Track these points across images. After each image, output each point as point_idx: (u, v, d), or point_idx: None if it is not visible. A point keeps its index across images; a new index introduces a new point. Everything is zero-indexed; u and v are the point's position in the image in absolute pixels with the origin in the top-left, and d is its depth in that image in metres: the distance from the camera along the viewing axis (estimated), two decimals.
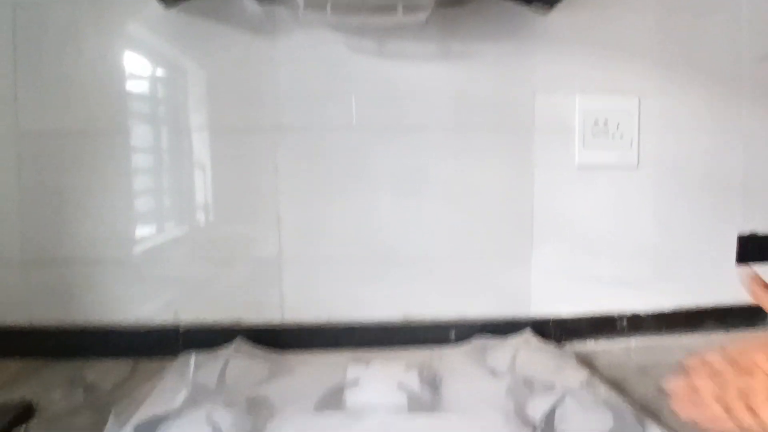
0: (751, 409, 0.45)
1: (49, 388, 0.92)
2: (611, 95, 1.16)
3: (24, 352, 1.06)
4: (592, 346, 1.16)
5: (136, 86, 1.10)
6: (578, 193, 1.17)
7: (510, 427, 0.75)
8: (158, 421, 0.73)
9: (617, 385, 0.94)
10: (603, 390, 0.87)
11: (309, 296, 1.13)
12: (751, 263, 1.23)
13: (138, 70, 1.09)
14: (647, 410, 0.83)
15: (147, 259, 1.11)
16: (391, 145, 1.11)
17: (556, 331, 1.16)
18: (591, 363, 1.06)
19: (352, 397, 0.83)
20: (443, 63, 1.11)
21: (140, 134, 1.10)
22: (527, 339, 1.10)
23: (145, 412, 0.77)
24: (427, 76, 1.11)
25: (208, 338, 1.06)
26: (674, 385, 0.54)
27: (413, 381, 0.87)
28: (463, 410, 0.82)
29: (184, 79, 1.10)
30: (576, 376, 0.92)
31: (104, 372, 1.00)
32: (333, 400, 0.84)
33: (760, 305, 0.59)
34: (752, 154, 1.21)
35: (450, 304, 1.14)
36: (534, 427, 0.75)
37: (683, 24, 1.17)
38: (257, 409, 0.82)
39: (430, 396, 0.85)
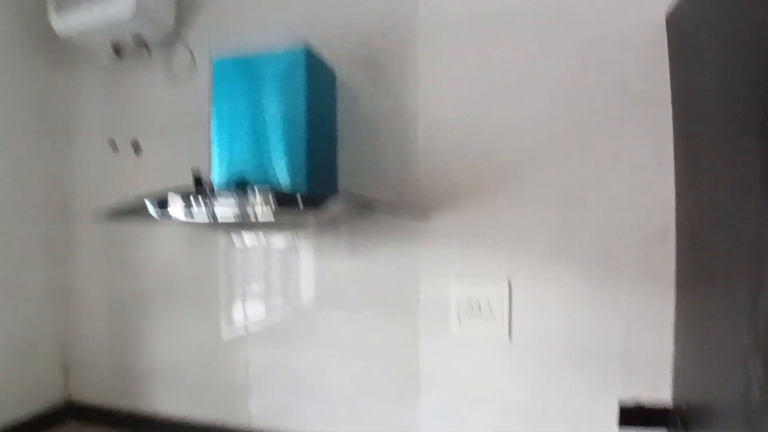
0: None
1: None
2: (483, 280, 1.43)
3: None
4: None
5: None
6: (457, 359, 1.46)
7: None
8: None
9: None
10: None
11: None
12: (632, 427, 1.36)
13: None
14: None
15: None
16: (318, 313, 1.56)
17: None
18: None
19: None
20: (349, 256, 1.53)
21: None
22: None
23: None
24: (338, 266, 1.54)
25: None
26: None
27: None
28: None
29: None
30: None
31: None
32: None
33: None
34: (634, 328, 1.35)
35: None
36: None
37: (557, 216, 1.39)
38: None
39: None
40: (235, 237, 1.65)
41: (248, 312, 1.66)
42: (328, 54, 1.42)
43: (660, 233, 1.30)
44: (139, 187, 1.74)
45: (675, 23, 1.29)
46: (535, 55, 1.41)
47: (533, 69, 1.41)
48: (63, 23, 1.59)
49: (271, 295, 1.62)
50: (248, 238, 1.62)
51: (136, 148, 1.77)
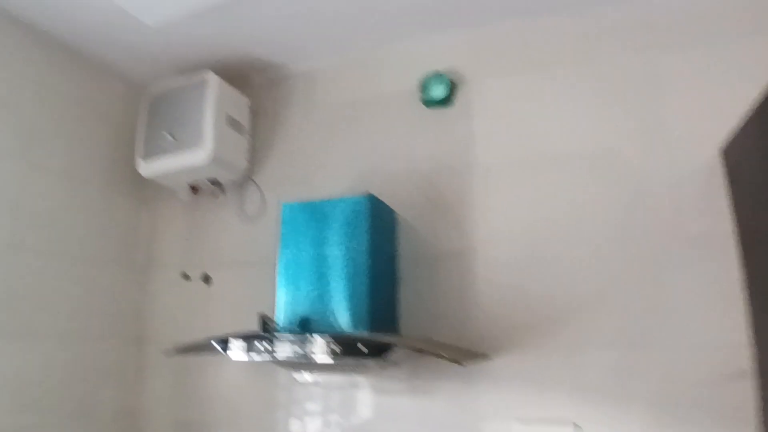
0: None
1: None
2: (546, 424, 1.37)
3: None
4: None
5: None
6: None
7: None
8: None
9: None
10: None
11: None
12: None
13: None
14: None
15: None
16: None
17: None
18: None
19: None
20: (410, 395, 1.51)
21: None
22: None
23: None
24: (398, 404, 1.52)
25: None
26: None
27: None
28: None
29: None
30: None
31: None
32: None
33: None
34: None
35: None
36: None
37: (619, 357, 1.35)
38: None
39: None
40: (296, 374, 1.66)
41: None
42: (390, 197, 1.50)
43: (734, 373, 1.23)
44: (209, 316, 1.83)
45: (731, 158, 1.29)
46: (588, 194, 1.44)
47: (587, 208, 1.44)
48: (148, 168, 1.76)
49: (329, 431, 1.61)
50: (309, 375, 1.64)
51: (207, 279, 1.87)
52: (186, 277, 1.91)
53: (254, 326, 1.68)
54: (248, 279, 1.78)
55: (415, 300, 1.54)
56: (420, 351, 1.27)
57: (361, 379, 1.57)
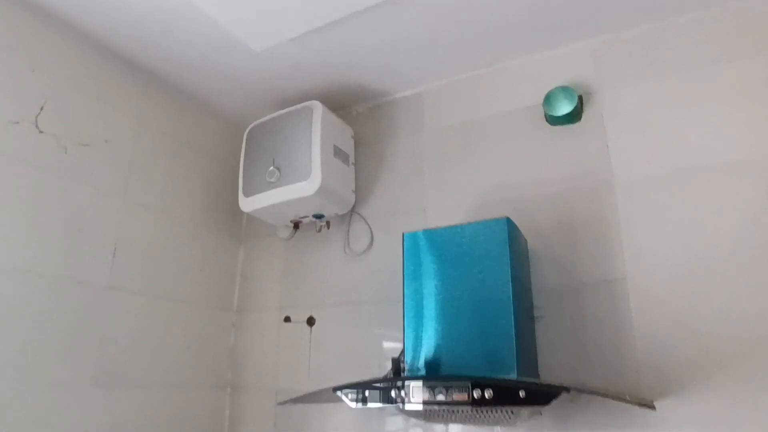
0: None
1: None
2: None
3: None
4: None
5: None
6: None
7: None
8: None
9: None
10: None
11: None
12: None
13: None
14: None
15: None
16: None
17: None
18: None
19: None
20: None
21: None
22: None
23: None
24: None
25: None
26: None
27: None
28: None
29: None
30: None
31: None
32: None
33: None
34: None
35: None
36: None
37: None
38: None
39: None
40: (409, 422, 1.49)
41: None
42: (518, 222, 1.33)
43: None
44: (311, 360, 1.69)
45: None
46: (759, 208, 1.23)
47: (759, 223, 1.22)
48: (250, 204, 1.68)
49: None
50: (438, 425, 1.45)
51: (311, 321, 1.74)
52: (287, 319, 1.79)
53: (361, 371, 1.55)
54: (355, 319, 1.64)
55: (552, 335, 1.35)
56: (604, 396, 1.07)
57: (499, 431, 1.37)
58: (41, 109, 1.41)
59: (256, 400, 1.80)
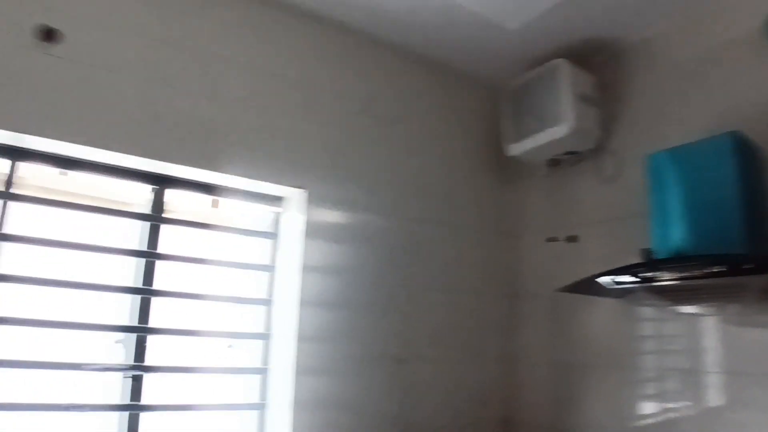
0: None
1: None
2: None
3: None
4: None
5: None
6: None
7: None
8: None
9: None
10: None
11: None
12: None
13: None
14: None
15: None
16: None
17: None
18: None
19: None
20: None
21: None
22: None
23: None
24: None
25: None
26: None
27: None
28: None
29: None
30: None
31: None
32: None
33: None
34: None
35: None
36: None
37: None
38: None
39: None
40: (662, 310, 1.80)
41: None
42: (753, 135, 1.54)
43: None
44: (577, 270, 2.10)
45: None
46: None
47: None
48: (516, 149, 2.15)
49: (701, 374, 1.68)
50: (682, 309, 1.76)
51: (572, 239, 2.15)
52: (552, 239, 2.24)
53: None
54: (613, 234, 1.99)
55: None
56: None
57: (734, 316, 1.62)
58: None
59: (532, 302, 2.30)
